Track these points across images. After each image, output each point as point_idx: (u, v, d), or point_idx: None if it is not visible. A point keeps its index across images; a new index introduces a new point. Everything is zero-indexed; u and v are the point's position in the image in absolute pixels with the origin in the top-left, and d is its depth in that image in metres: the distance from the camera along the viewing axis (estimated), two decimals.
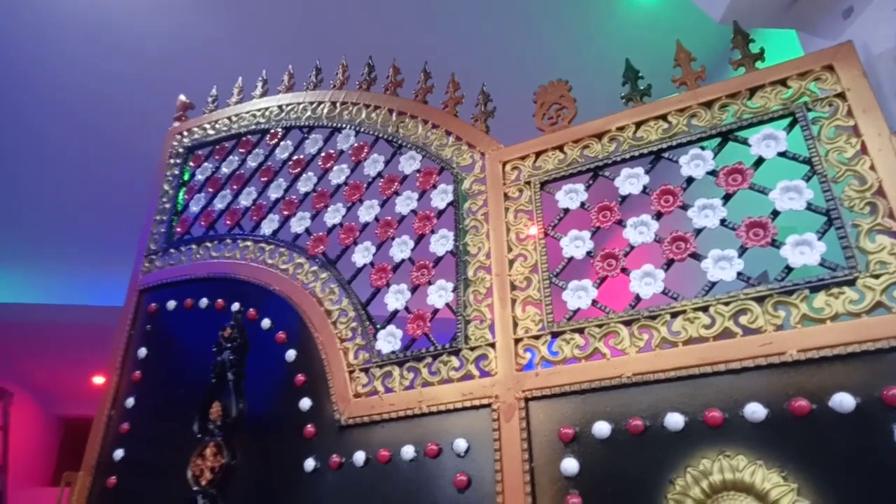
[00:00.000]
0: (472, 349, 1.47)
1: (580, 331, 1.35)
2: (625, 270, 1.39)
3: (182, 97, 2.47)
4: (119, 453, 1.81)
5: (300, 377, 1.65)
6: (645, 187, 1.45)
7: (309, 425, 1.57)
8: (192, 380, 1.83)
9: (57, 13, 3.30)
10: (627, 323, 1.30)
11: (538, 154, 1.63)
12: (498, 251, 1.55)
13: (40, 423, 7.68)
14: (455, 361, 1.48)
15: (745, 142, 1.37)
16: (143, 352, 1.97)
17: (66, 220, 4.58)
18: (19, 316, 4.93)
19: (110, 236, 4.48)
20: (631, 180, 1.46)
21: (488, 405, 1.37)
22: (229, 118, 2.30)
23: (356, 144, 1.96)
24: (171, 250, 2.12)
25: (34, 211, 4.49)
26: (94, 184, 4.30)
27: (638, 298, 1.33)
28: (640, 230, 1.40)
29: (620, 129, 1.53)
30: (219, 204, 2.14)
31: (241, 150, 2.21)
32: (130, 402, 1.89)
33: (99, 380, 7.49)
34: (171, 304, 2.01)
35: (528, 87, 1.75)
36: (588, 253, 1.46)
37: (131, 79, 3.68)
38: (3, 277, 4.85)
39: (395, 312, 1.64)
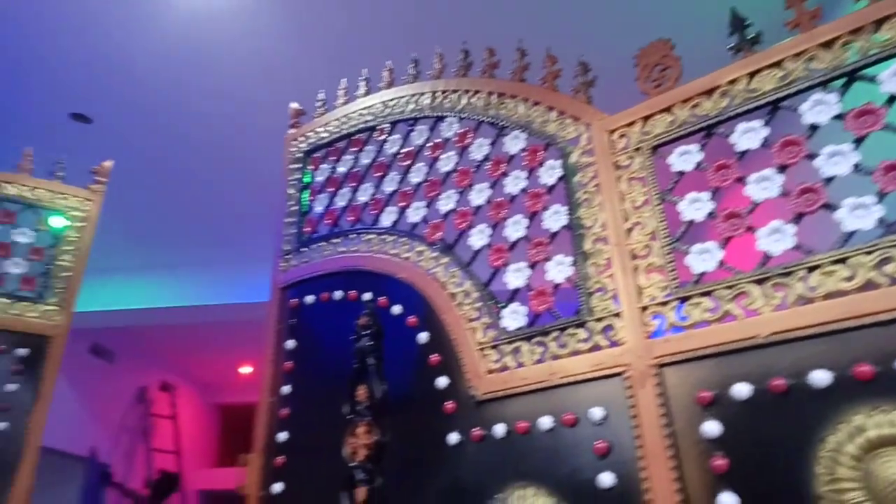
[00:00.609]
0: (597, 320, 1.50)
1: (708, 293, 1.34)
2: (750, 228, 1.36)
3: (294, 105, 2.64)
4: (283, 436, 2.02)
5: (434, 357, 1.77)
6: (765, 140, 1.40)
7: (448, 402, 1.68)
8: (338, 366, 1.99)
9: (176, 47, 3.62)
10: (759, 282, 1.28)
11: (646, 118, 1.61)
12: (614, 221, 1.56)
13: (201, 411, 8.58)
14: (582, 333, 1.52)
15: (873, 79, 1.28)
16: (291, 343, 2.16)
17: (210, 231, 5.11)
18: (178, 317, 5.58)
19: (247, 240, 4.97)
20: (748, 135, 1.42)
21: (620, 374, 1.40)
22: (339, 119, 2.43)
23: (460, 131, 2.02)
24: (303, 249, 2.31)
25: (187, 227, 5.06)
26: (229, 196, 4.73)
27: (767, 256, 1.30)
28: (763, 185, 1.36)
29: (732, 82, 1.48)
30: (340, 202, 2.29)
31: (353, 149, 2.35)
32: (286, 389, 2.10)
33: (245, 369, 8.23)
34: (310, 299, 2.19)
35: (626, 52, 1.72)
36: (709, 214, 1.44)
37: (241, 96, 3.96)
38: (163, 285, 5.49)
39: (517, 290, 1.70)
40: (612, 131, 1.65)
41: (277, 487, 1.95)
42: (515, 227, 1.76)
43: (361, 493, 1.74)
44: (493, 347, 1.67)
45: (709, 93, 1.51)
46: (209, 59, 3.73)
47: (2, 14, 3.34)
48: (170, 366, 7.68)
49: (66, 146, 3.57)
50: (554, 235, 1.69)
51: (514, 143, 1.86)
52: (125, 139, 4.13)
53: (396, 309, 1.93)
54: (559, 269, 1.62)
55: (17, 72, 3.65)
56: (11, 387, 2.36)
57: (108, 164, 2.90)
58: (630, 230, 1.53)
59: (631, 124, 1.63)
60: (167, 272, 5.41)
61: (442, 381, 1.72)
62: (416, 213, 2.04)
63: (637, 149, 1.59)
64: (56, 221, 2.70)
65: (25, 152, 2.70)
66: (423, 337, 1.82)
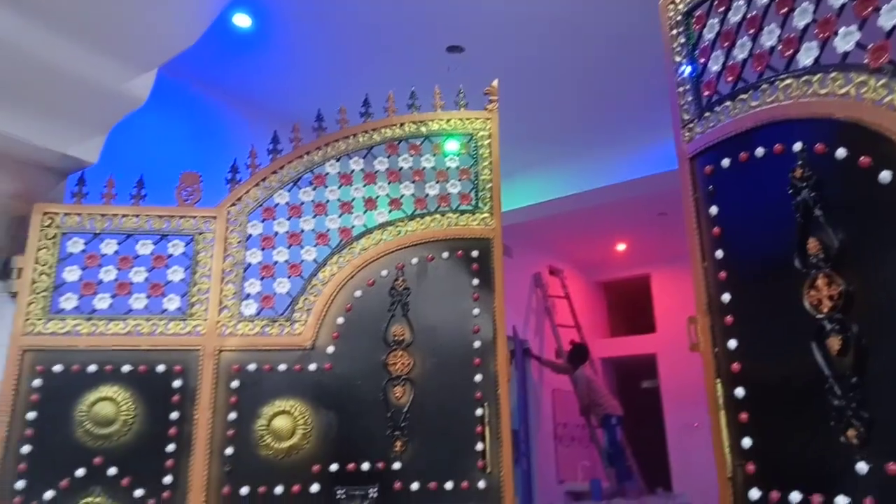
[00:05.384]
0: None
1: None
2: None
3: None
4: (726, 297, 2.09)
5: None
6: None
7: None
8: (772, 223, 1.95)
9: None
10: None
11: None
12: None
13: (587, 289, 9.36)
14: None
15: None
16: (714, 210, 2.18)
17: (584, 120, 5.37)
18: (561, 207, 6.14)
19: (619, 122, 5.10)
20: None
21: None
22: None
23: None
24: (706, 114, 2.25)
25: (559, 124, 5.45)
26: (599, 82, 4.89)
27: None
28: None
29: None
30: (739, 54, 2.14)
31: None
32: (720, 253, 2.14)
33: (621, 246, 8.59)
34: (726, 162, 2.14)
35: None
36: None
37: None
38: (546, 179, 6.05)
39: None
40: None
41: (732, 343, 2.05)
42: None
43: (835, 342, 1.71)
44: None
45: None
46: None
47: None
48: (554, 252, 8.51)
49: (441, 75, 4.06)
50: None
51: None
52: (488, 60, 4.51)
53: (840, 153, 1.76)
54: None
55: (397, 10, 4.19)
56: (475, 281, 2.96)
57: (495, 83, 3.24)
58: None
59: None
60: (546, 168, 5.90)
61: None
62: (845, 40, 1.78)
63: None
64: (465, 143, 3.17)
65: (436, 90, 3.21)
66: (885, 176, 1.63)
